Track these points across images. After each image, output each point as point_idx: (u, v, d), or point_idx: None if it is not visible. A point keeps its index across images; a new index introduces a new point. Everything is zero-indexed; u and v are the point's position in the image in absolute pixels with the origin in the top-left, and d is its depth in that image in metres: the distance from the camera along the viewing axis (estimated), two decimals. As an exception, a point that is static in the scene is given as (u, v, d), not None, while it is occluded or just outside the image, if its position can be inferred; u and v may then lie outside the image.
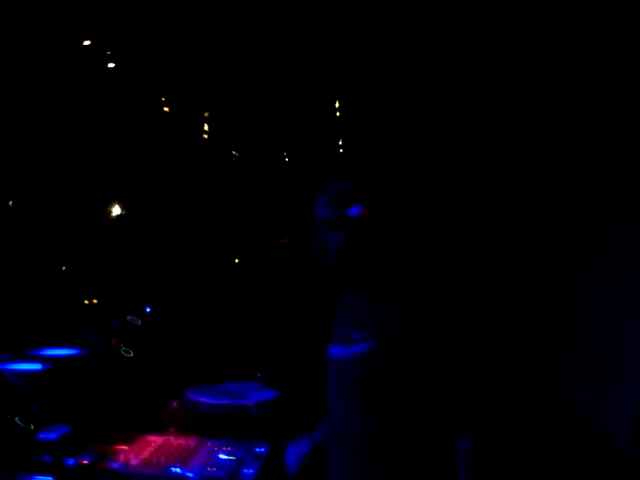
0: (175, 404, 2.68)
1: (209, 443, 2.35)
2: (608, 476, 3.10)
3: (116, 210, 3.67)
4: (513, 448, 3.32)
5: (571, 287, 4.01)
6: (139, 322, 3.04)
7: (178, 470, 2.09)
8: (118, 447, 2.26)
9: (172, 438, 2.39)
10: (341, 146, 4.82)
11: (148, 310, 3.21)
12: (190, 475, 2.06)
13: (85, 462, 2.13)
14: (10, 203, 3.33)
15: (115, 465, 2.13)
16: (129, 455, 2.20)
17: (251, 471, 2.14)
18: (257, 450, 2.29)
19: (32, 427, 2.20)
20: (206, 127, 4.44)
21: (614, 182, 3.51)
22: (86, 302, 3.09)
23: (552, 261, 4.28)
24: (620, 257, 3.34)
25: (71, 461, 2.13)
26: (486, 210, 4.45)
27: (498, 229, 4.40)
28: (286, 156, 4.69)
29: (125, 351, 2.82)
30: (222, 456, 2.24)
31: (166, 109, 4.18)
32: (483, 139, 4.52)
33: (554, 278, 4.24)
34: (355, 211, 1.89)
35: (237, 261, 4.28)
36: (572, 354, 4.01)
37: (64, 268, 3.42)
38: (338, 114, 4.74)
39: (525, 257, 4.41)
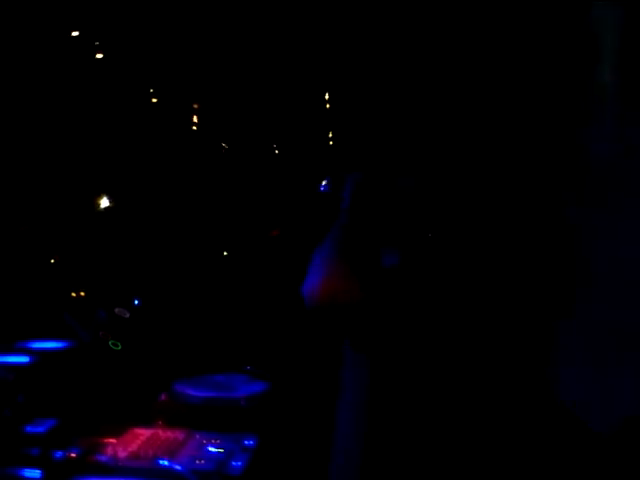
0: (163, 397, 2.68)
1: (197, 436, 2.35)
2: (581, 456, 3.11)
3: (104, 202, 3.65)
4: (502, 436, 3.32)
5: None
6: (127, 314, 3.03)
7: (166, 463, 2.09)
8: (106, 440, 2.26)
9: (160, 431, 2.39)
10: (331, 138, 4.82)
11: (136, 302, 3.20)
12: (178, 468, 2.06)
13: (73, 455, 2.13)
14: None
15: (103, 458, 2.13)
16: (117, 448, 2.20)
17: (240, 464, 2.14)
18: (246, 443, 2.29)
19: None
20: (195, 119, 4.42)
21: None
22: (73, 294, 3.08)
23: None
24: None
25: (59, 454, 2.12)
26: (482, 203, 4.45)
27: (495, 222, 4.41)
28: (276, 148, 4.68)
29: (113, 344, 2.81)
30: (210, 449, 2.24)
31: (154, 100, 4.16)
32: (478, 133, 4.51)
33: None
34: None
35: (226, 253, 4.27)
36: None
37: (52, 261, 3.40)
38: (328, 106, 4.73)
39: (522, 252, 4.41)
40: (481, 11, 4.06)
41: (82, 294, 3.10)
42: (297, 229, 4.37)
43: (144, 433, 2.35)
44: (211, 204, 4.29)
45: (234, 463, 2.14)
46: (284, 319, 3.86)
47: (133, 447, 2.22)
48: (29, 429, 2.20)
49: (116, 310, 3.03)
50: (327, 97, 4.71)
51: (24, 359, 2.49)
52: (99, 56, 3.89)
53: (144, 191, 4.01)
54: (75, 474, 2.05)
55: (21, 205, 3.43)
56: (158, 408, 2.61)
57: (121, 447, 2.21)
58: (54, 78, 3.69)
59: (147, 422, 2.48)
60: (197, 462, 2.13)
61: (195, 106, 4.46)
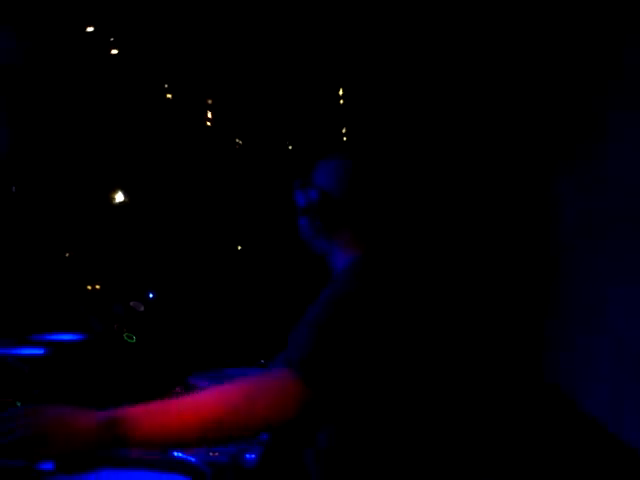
0: (178, 390, 2.68)
1: (212, 428, 2.34)
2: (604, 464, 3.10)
3: (119, 197, 3.66)
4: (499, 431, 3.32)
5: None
6: (142, 308, 3.04)
7: (180, 455, 2.08)
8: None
9: (175, 423, 2.38)
10: (345, 134, 4.80)
11: (151, 296, 3.21)
12: (192, 460, 2.05)
13: (87, 446, 2.12)
14: (13, 189, 3.33)
15: (117, 450, 2.13)
16: (132, 440, 2.19)
17: (253, 456, 2.13)
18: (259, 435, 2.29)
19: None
20: (209, 114, 4.42)
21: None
22: (89, 288, 3.09)
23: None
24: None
25: (73, 446, 2.12)
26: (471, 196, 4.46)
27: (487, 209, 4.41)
28: (289, 144, 4.67)
29: (128, 337, 2.82)
30: (224, 441, 2.24)
31: (169, 96, 4.17)
32: (486, 133, 4.50)
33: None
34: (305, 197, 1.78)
35: (240, 248, 4.28)
36: (561, 328, 4.03)
37: (67, 255, 3.41)
38: (342, 102, 4.72)
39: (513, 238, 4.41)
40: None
41: (97, 287, 3.11)
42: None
43: (158, 425, 2.35)
44: (225, 199, 4.30)
45: (248, 456, 2.14)
46: (298, 312, 3.85)
47: (147, 439, 2.22)
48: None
49: (131, 303, 3.04)
50: (341, 93, 4.70)
51: (39, 351, 2.50)
52: (114, 52, 3.90)
53: (159, 186, 4.02)
54: (89, 466, 2.05)
55: (37, 200, 3.45)
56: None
57: (135, 439, 2.20)
58: (70, 75, 3.70)
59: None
60: (211, 454, 2.12)
61: (209, 102, 4.46)
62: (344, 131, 4.78)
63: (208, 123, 4.43)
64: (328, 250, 1.81)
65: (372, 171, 1.84)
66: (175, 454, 2.09)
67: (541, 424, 3.50)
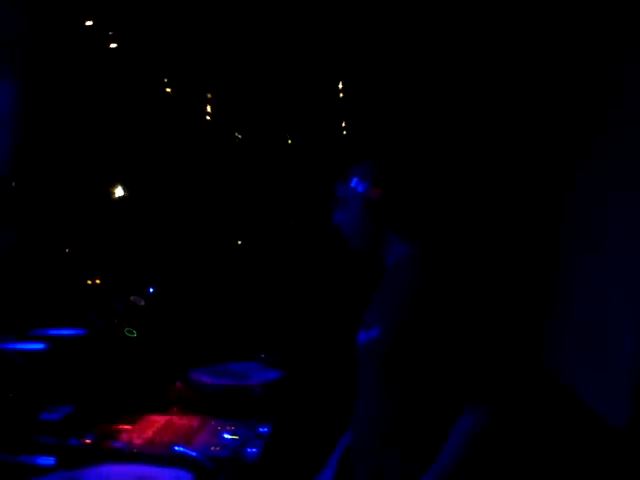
0: (179, 384, 2.68)
1: (212, 423, 2.35)
2: (596, 449, 3.12)
3: (119, 191, 3.65)
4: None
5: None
6: (142, 302, 3.04)
7: (181, 449, 2.08)
8: (121, 427, 2.26)
9: (175, 418, 2.39)
10: (344, 128, 4.80)
11: (151, 291, 3.21)
12: (193, 454, 2.05)
13: (88, 442, 2.13)
14: (13, 184, 3.32)
15: (118, 445, 2.13)
16: (132, 435, 2.20)
17: (254, 450, 2.14)
18: (260, 430, 2.29)
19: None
20: (209, 108, 4.41)
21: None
22: (89, 283, 3.09)
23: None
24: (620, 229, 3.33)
25: (74, 441, 2.12)
26: (484, 190, 4.46)
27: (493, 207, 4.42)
28: (289, 138, 4.66)
29: (128, 331, 2.82)
30: (226, 435, 2.24)
31: (168, 90, 4.16)
32: (489, 122, 4.49)
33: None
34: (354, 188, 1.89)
35: (240, 242, 4.27)
36: (562, 321, 4.05)
37: (67, 250, 3.41)
38: (341, 95, 4.71)
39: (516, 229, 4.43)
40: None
41: (98, 282, 3.11)
42: (311, 218, 4.36)
43: (159, 420, 2.35)
44: (225, 193, 4.30)
45: (249, 450, 2.14)
46: (298, 308, 3.86)
47: (148, 434, 2.22)
48: (44, 416, 2.20)
49: (131, 298, 3.03)
50: (340, 86, 4.69)
51: (40, 346, 2.50)
52: (113, 46, 3.89)
53: (159, 181, 4.01)
54: (90, 461, 2.05)
55: (37, 195, 3.44)
56: (173, 395, 2.62)
57: (136, 434, 2.21)
58: (69, 69, 3.69)
59: (162, 409, 2.48)
60: (212, 449, 2.12)
61: (209, 96, 4.45)
62: (344, 125, 4.78)
63: (207, 117, 4.42)
64: (380, 245, 1.93)
65: (418, 168, 1.98)
66: (176, 449, 2.09)
67: (541, 419, 3.52)
